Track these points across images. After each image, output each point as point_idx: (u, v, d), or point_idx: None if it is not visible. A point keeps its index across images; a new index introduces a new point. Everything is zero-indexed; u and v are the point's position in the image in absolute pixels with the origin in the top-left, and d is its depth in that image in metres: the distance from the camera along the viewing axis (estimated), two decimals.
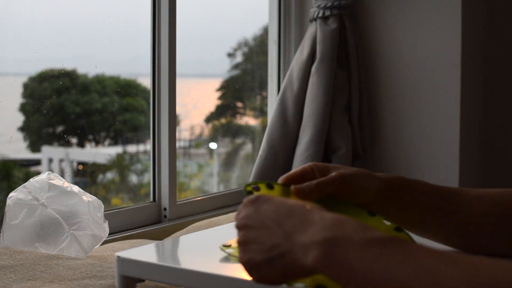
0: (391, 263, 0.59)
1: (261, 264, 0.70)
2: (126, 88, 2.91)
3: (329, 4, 2.05)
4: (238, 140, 3.25)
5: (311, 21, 2.10)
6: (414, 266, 0.58)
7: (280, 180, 0.88)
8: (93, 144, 2.99)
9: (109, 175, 3.05)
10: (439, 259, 0.58)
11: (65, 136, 2.71)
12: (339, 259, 0.63)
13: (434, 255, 0.59)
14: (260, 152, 2.07)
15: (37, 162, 2.87)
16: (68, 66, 2.27)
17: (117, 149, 3.04)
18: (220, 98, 3.39)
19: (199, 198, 1.93)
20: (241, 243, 0.73)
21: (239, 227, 0.73)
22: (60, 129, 2.66)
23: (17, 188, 1.28)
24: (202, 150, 3.60)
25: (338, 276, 0.63)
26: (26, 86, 2.37)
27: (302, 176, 0.87)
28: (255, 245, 0.71)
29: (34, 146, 2.74)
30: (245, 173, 3.05)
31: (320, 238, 0.65)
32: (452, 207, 0.87)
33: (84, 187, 1.80)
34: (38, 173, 1.32)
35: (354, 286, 0.62)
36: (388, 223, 0.86)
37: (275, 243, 0.69)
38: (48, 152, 2.87)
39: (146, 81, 1.86)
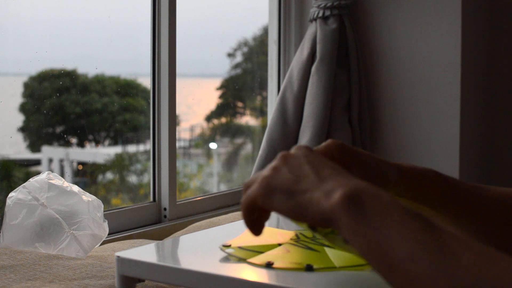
0: (408, 229, 0.58)
1: (279, 190, 0.67)
2: (126, 88, 2.91)
3: (329, 4, 2.05)
4: (238, 140, 3.25)
5: (311, 21, 2.10)
6: (431, 238, 0.57)
7: None
8: (93, 144, 3.00)
9: (109, 175, 3.05)
10: (456, 238, 0.57)
11: (65, 136, 2.71)
12: (361, 208, 0.60)
13: (452, 235, 0.58)
14: (260, 152, 2.07)
15: (37, 162, 2.88)
16: (68, 66, 2.27)
17: (117, 149, 3.05)
18: (220, 97, 3.39)
19: (199, 198, 1.93)
20: (273, 167, 0.69)
21: (282, 157, 0.70)
22: (60, 129, 2.66)
23: (17, 188, 1.28)
24: (202, 150, 3.60)
25: (351, 227, 0.61)
26: (26, 86, 2.37)
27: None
28: (284, 173, 0.67)
29: (34, 146, 2.74)
30: (245, 173, 3.06)
31: (350, 184, 0.63)
32: (471, 201, 0.87)
33: (84, 187, 1.80)
34: (38, 173, 1.32)
35: (363, 243, 0.60)
36: None
37: (303, 178, 0.66)
38: (48, 152, 2.87)
39: (146, 81, 1.86)
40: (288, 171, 0.68)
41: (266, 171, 0.69)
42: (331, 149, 0.81)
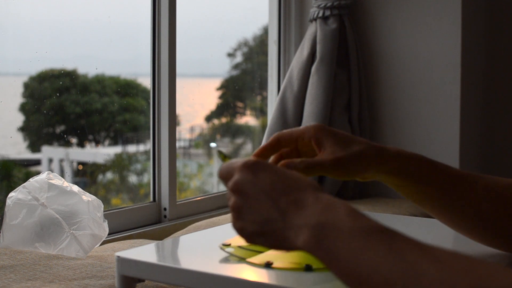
0: (375, 255, 0.61)
1: (254, 234, 0.71)
2: (126, 88, 2.91)
3: (329, 4, 2.05)
4: (238, 140, 3.25)
5: (311, 21, 2.10)
6: (397, 260, 0.59)
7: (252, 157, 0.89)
8: (93, 144, 3.00)
9: (109, 175, 3.05)
10: (422, 255, 0.59)
11: (65, 136, 2.71)
12: (328, 246, 0.64)
13: (418, 250, 0.60)
14: None
15: (37, 162, 2.88)
16: (68, 66, 2.27)
17: (117, 149, 3.05)
18: (220, 97, 3.39)
19: (199, 198, 1.93)
20: (235, 208, 0.72)
21: (234, 191, 0.72)
22: (60, 129, 2.66)
23: (17, 188, 1.28)
24: (202, 150, 3.60)
25: (326, 261, 0.65)
26: (26, 86, 2.37)
27: (272, 149, 0.88)
28: (249, 214, 0.71)
29: (34, 146, 2.74)
30: None
31: (312, 222, 0.66)
32: (459, 190, 0.87)
33: (84, 187, 1.80)
34: (38, 173, 1.32)
35: (339, 272, 0.63)
36: None
37: (269, 217, 0.69)
38: (48, 152, 2.87)
39: (146, 81, 1.86)
40: (248, 209, 0.71)
41: (233, 219, 0.73)
42: (309, 129, 0.86)
